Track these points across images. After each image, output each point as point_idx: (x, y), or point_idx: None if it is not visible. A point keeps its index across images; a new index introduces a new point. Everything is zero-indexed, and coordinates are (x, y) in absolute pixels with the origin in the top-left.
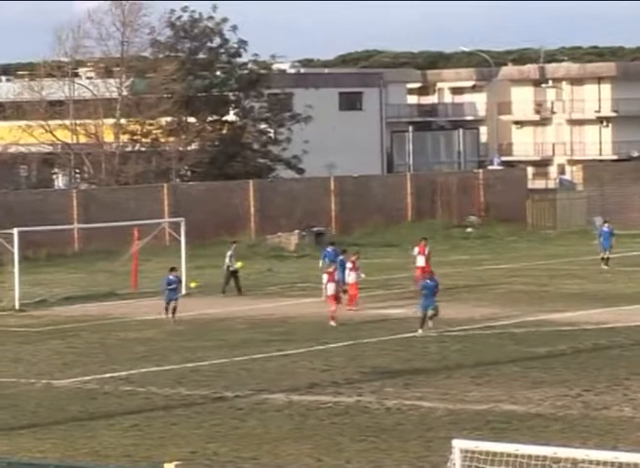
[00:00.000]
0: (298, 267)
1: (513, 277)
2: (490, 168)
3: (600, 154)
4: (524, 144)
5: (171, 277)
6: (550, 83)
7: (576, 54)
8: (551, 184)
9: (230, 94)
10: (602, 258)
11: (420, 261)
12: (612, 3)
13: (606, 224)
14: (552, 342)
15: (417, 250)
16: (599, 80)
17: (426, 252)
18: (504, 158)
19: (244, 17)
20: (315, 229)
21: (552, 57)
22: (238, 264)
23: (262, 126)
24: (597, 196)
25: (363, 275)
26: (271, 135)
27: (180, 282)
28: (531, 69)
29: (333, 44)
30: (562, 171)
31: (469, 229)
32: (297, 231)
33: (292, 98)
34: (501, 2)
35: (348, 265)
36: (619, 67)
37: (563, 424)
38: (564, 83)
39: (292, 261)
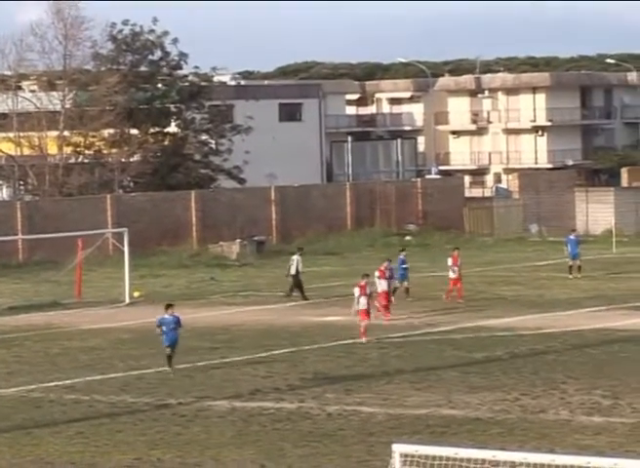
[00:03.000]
0: (240, 276)
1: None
2: (428, 177)
3: (536, 163)
4: (461, 153)
5: (166, 316)
6: (486, 93)
7: (511, 64)
8: (488, 193)
9: (172, 106)
10: (570, 267)
11: (454, 273)
12: (546, 14)
13: (573, 233)
14: (490, 348)
15: (450, 260)
16: (534, 90)
17: (459, 262)
18: (442, 167)
19: (184, 30)
20: (256, 238)
21: (488, 67)
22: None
23: (204, 137)
24: (533, 204)
25: (398, 282)
26: (212, 145)
27: (178, 322)
28: (467, 80)
29: (272, 56)
30: (498, 179)
31: (408, 237)
32: (238, 240)
33: (232, 110)
34: (438, 13)
35: (377, 274)
36: (553, 77)
37: (501, 428)
38: (500, 93)
39: (234, 270)
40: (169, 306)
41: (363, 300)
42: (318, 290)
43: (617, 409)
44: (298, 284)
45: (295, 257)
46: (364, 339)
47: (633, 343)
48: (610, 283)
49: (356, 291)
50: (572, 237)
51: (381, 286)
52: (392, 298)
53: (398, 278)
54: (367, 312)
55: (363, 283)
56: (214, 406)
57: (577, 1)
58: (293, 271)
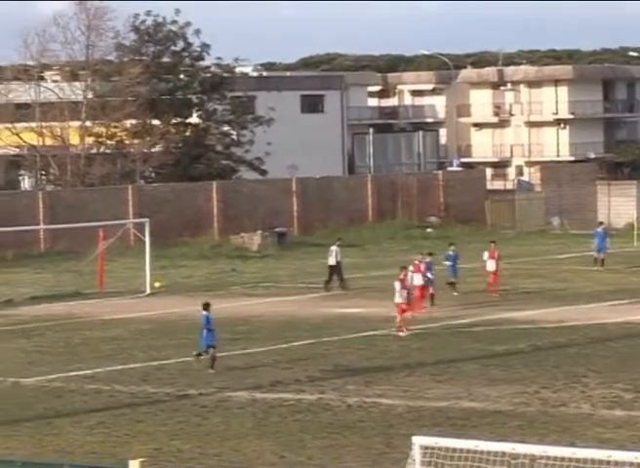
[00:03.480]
0: (260, 267)
1: (473, 276)
2: (449, 169)
3: (557, 155)
4: (483, 146)
5: (204, 313)
6: (509, 86)
7: (533, 57)
8: (510, 185)
9: (194, 96)
10: (595, 259)
11: (491, 266)
12: (568, 6)
13: (601, 226)
14: (511, 340)
15: (487, 254)
16: (556, 83)
17: (496, 255)
18: (464, 159)
19: (207, 20)
20: (277, 230)
21: (511, 60)
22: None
23: (225, 128)
24: (555, 197)
25: (431, 276)
26: (234, 137)
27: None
28: (489, 72)
29: (295, 47)
30: (520, 172)
31: (429, 229)
32: (259, 231)
33: (254, 101)
34: (461, 6)
35: (411, 268)
36: (575, 70)
37: (521, 421)
38: (522, 85)
39: (255, 261)
40: (207, 305)
41: (404, 294)
42: (337, 282)
43: (638, 402)
44: (338, 273)
45: (333, 248)
46: (401, 333)
47: None
48: (632, 277)
49: (397, 284)
50: (599, 230)
51: (416, 280)
52: (432, 291)
53: (450, 273)
54: (405, 306)
55: (402, 276)
56: (234, 396)
57: None
58: (332, 262)
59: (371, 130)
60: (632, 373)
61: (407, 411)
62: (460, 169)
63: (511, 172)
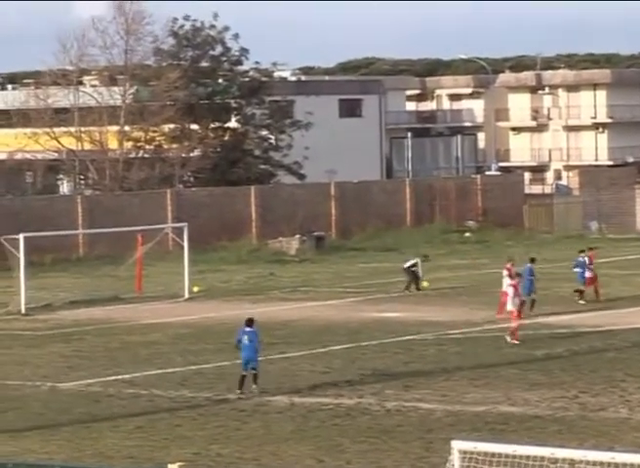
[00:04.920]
0: (299, 271)
1: None
2: (487, 173)
3: (596, 160)
4: (521, 150)
5: (247, 329)
6: (547, 90)
7: (572, 61)
8: (548, 189)
9: (232, 101)
10: None
11: (588, 272)
12: (607, 11)
13: None
14: (550, 345)
15: (587, 260)
16: (595, 87)
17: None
18: (502, 164)
19: (246, 25)
20: (316, 234)
21: (549, 64)
22: (424, 284)
23: (264, 132)
24: (593, 201)
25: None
26: (272, 141)
27: (257, 336)
28: (528, 76)
29: (333, 52)
30: (558, 176)
31: (467, 234)
32: (297, 236)
33: (292, 105)
34: (499, 10)
35: (505, 273)
36: (614, 74)
37: (560, 425)
38: (560, 90)
39: (293, 266)
40: (250, 321)
41: (517, 301)
42: (376, 285)
43: None
44: (415, 277)
45: (416, 260)
46: (510, 339)
47: None
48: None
49: (511, 290)
50: None
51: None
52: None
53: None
54: (519, 313)
55: (515, 282)
56: (273, 401)
57: None
58: (407, 265)
59: (409, 134)
60: None
61: (445, 416)
62: (498, 173)
63: (549, 176)
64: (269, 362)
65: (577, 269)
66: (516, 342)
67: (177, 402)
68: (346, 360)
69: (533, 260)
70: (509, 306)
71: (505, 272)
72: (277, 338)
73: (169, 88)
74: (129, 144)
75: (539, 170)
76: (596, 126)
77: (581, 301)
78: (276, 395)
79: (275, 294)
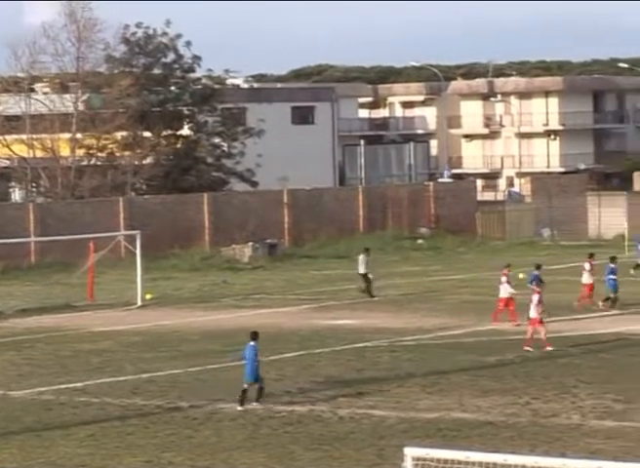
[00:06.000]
0: (251, 279)
1: (463, 287)
2: (440, 180)
3: (548, 167)
4: (473, 157)
5: (251, 343)
6: (499, 97)
7: (523, 68)
8: (500, 196)
9: (184, 108)
10: (637, 265)
11: (589, 279)
12: (558, 18)
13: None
14: (502, 351)
15: (587, 265)
16: (546, 94)
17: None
18: (454, 171)
19: (198, 32)
20: (268, 241)
21: (501, 71)
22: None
23: (216, 140)
24: (545, 208)
25: (513, 290)
26: (225, 148)
27: (252, 351)
28: (480, 83)
29: (285, 59)
30: (511, 183)
31: (420, 241)
32: (250, 243)
33: (245, 113)
34: (451, 17)
35: (503, 279)
36: (565, 81)
37: (512, 432)
38: (512, 97)
39: (246, 273)
40: (254, 334)
41: (539, 309)
42: (329, 293)
43: (628, 413)
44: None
45: (361, 257)
46: (528, 348)
47: None
48: (622, 287)
49: (535, 298)
50: None
51: (503, 292)
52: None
53: (609, 288)
54: (539, 321)
55: (539, 289)
56: (225, 409)
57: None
58: (362, 270)
59: (361, 141)
60: (622, 384)
61: (398, 423)
62: (450, 180)
63: (502, 183)
64: (222, 370)
65: (610, 276)
66: (529, 349)
67: (129, 410)
68: (299, 367)
69: (538, 267)
70: (531, 313)
71: (504, 278)
72: (230, 346)
73: (121, 95)
74: (81, 152)
75: (491, 177)
76: (548, 133)
77: (614, 310)
78: (228, 403)
79: (228, 302)
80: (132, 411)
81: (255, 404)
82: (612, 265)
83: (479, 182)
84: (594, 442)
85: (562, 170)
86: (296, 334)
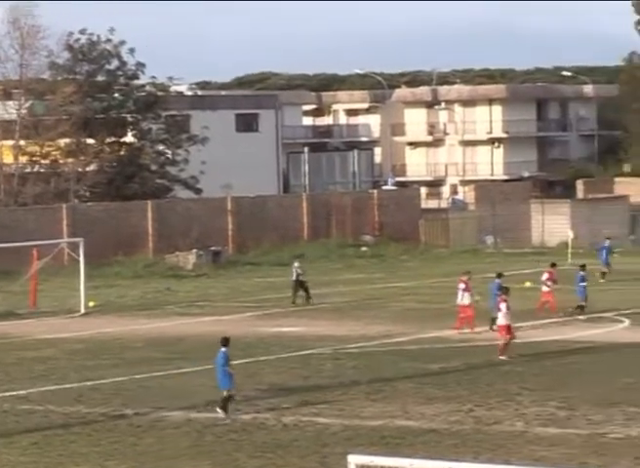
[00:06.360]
0: (195, 286)
1: (407, 295)
2: (384, 188)
3: (492, 174)
4: (417, 165)
5: (222, 350)
6: (443, 105)
7: (467, 76)
8: (444, 204)
9: (128, 115)
10: (603, 273)
11: (548, 287)
12: (502, 26)
13: (607, 241)
14: (446, 359)
15: (546, 275)
16: (490, 102)
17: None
18: (398, 178)
19: (142, 39)
20: (212, 248)
21: (444, 79)
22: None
23: (160, 147)
24: (488, 216)
25: (477, 297)
26: (169, 156)
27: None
28: (424, 91)
29: (229, 67)
30: (454, 191)
31: (364, 248)
32: (194, 250)
33: (189, 120)
34: (394, 25)
35: (462, 286)
36: (509, 89)
37: (456, 439)
38: (456, 105)
39: (189, 280)
40: (225, 340)
41: (508, 316)
42: (273, 300)
43: (572, 420)
44: (296, 288)
45: (296, 264)
46: (503, 356)
47: (589, 355)
48: (564, 294)
49: (504, 306)
50: (606, 244)
51: (465, 299)
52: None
53: (579, 296)
54: (507, 328)
55: (505, 297)
56: (169, 416)
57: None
58: (295, 278)
59: (305, 149)
60: (565, 391)
61: (342, 430)
62: (394, 188)
63: (445, 190)
64: (166, 377)
65: (581, 284)
66: (503, 358)
67: (72, 418)
68: (243, 375)
69: (500, 275)
70: (502, 321)
71: (462, 285)
72: (174, 353)
73: (64, 102)
74: (24, 159)
75: (435, 184)
76: (492, 141)
77: (581, 316)
78: (172, 410)
79: (171, 309)
80: (75, 419)
81: (219, 410)
82: (582, 273)
83: (423, 190)
84: (538, 449)
85: (506, 177)
86: (240, 342)
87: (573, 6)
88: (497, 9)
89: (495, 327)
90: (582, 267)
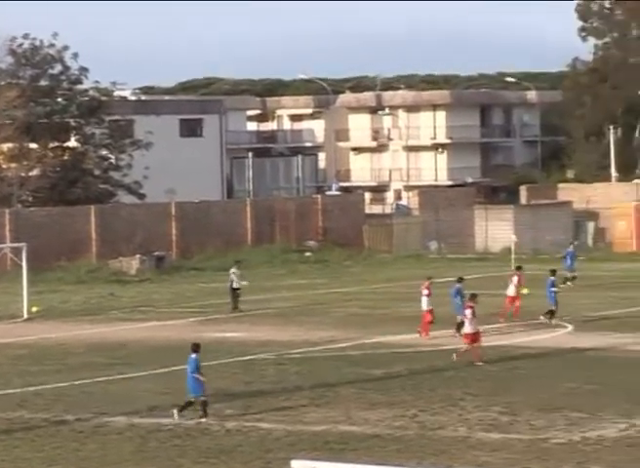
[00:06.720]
0: (139, 291)
1: (350, 300)
2: (328, 193)
3: (435, 180)
4: (361, 170)
5: (192, 356)
6: (387, 110)
7: (411, 81)
8: (388, 209)
9: (71, 120)
10: (566, 278)
11: (514, 291)
12: (446, 32)
13: (571, 246)
14: (389, 364)
15: (516, 279)
16: (434, 107)
17: (523, 282)
18: (342, 184)
19: (85, 44)
20: (156, 254)
21: (389, 84)
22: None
23: (104, 152)
24: (432, 221)
25: (526, 290)
26: (112, 161)
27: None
28: (368, 97)
29: (173, 72)
30: (398, 196)
31: (308, 253)
32: (138, 256)
33: (133, 125)
34: (338, 31)
35: (425, 292)
36: (453, 95)
37: (399, 444)
38: (400, 110)
39: (133, 286)
40: (196, 346)
41: (474, 323)
42: (216, 306)
43: (514, 425)
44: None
45: (233, 271)
46: (480, 362)
47: (532, 360)
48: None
49: (468, 312)
50: (570, 250)
51: (425, 304)
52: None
53: (550, 301)
54: (473, 336)
55: (472, 303)
56: (112, 422)
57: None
58: (235, 285)
59: (250, 154)
60: (508, 397)
61: (285, 435)
62: (338, 193)
63: (389, 196)
64: (109, 382)
65: (552, 289)
66: (480, 363)
67: (15, 423)
68: (186, 380)
69: (460, 280)
70: (467, 329)
71: (425, 291)
72: (117, 359)
73: (7, 107)
74: None
75: (379, 190)
76: (436, 146)
77: (553, 321)
78: (115, 416)
79: (115, 315)
80: (18, 425)
81: (203, 420)
82: (552, 278)
83: (367, 195)
84: (480, 454)
85: (450, 183)
86: (183, 347)
87: (516, 12)
88: (440, 14)
89: (458, 332)
90: (553, 272)
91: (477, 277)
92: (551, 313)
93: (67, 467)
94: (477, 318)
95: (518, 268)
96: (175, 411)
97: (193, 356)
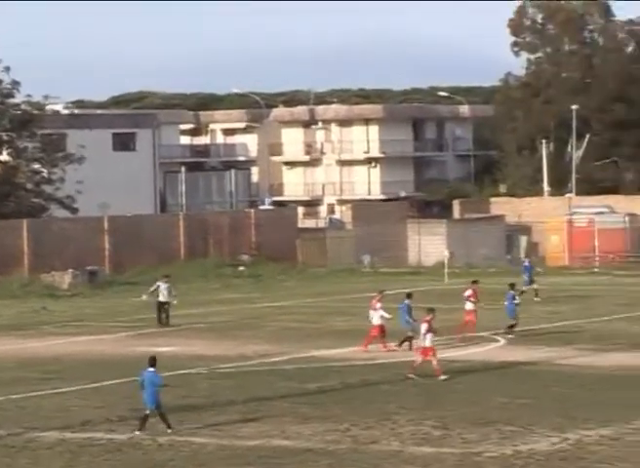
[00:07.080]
0: (71, 306)
1: (284, 314)
2: (261, 207)
3: (369, 194)
4: (294, 184)
5: (150, 370)
6: (320, 124)
7: (344, 96)
8: (321, 224)
9: (3, 134)
10: (522, 292)
11: (472, 306)
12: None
13: (527, 260)
14: (322, 378)
15: (469, 292)
16: (367, 122)
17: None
18: (275, 198)
19: (17, 58)
20: (89, 268)
21: (322, 99)
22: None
23: (36, 166)
24: (366, 235)
25: (389, 316)
26: (45, 174)
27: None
28: (301, 111)
29: (105, 86)
30: (332, 210)
31: (241, 268)
32: (70, 270)
33: (65, 139)
34: (272, 44)
35: (378, 305)
36: (385, 109)
37: (332, 458)
38: (333, 124)
39: (65, 300)
40: (152, 360)
41: (429, 337)
42: (149, 320)
43: (446, 439)
44: (161, 310)
45: (163, 286)
46: (443, 376)
47: (466, 374)
48: (441, 315)
49: (423, 327)
50: (526, 264)
51: (375, 319)
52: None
53: (509, 315)
54: (429, 350)
55: (429, 318)
56: (43, 436)
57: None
58: (162, 298)
59: (183, 168)
60: (441, 411)
61: (218, 450)
62: (271, 207)
63: (323, 210)
64: (41, 397)
65: (512, 302)
66: (444, 377)
67: None
68: (119, 395)
69: (409, 296)
70: (423, 342)
71: (378, 304)
72: (49, 373)
73: None
74: None
75: (312, 204)
76: (369, 160)
77: (511, 335)
78: (46, 431)
79: (47, 329)
80: None
81: (169, 431)
82: (512, 292)
83: (300, 210)
84: None
85: (383, 197)
86: (116, 362)
87: (448, 26)
88: (373, 29)
89: (402, 345)
90: (512, 286)
91: (410, 291)
92: (511, 327)
93: None
94: (433, 333)
95: (474, 282)
96: (169, 431)
97: (151, 370)
